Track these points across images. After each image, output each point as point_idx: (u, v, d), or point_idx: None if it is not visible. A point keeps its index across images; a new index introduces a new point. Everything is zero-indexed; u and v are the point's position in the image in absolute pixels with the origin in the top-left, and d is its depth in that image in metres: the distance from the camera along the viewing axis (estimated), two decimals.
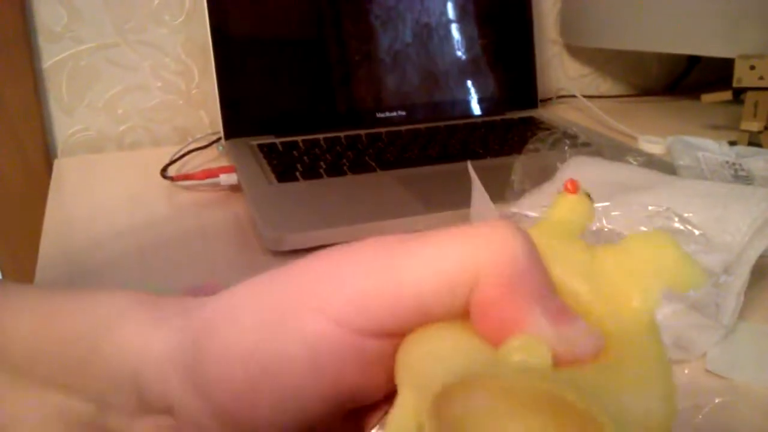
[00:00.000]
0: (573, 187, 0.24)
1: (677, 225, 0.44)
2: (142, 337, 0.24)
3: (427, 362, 0.20)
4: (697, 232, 0.44)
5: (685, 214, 0.44)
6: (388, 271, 0.21)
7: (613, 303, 0.21)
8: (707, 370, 0.42)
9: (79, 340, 0.24)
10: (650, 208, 0.44)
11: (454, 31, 0.93)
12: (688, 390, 0.40)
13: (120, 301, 0.25)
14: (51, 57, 0.84)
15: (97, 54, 0.86)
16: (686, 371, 0.42)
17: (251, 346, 0.22)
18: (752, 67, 0.82)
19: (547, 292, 0.20)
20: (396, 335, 0.21)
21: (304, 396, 0.22)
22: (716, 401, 0.37)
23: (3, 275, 0.86)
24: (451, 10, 0.92)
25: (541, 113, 0.95)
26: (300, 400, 0.22)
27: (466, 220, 0.55)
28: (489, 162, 0.76)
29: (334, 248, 0.23)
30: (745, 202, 0.46)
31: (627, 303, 0.21)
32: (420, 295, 0.20)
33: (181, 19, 0.87)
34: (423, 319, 0.21)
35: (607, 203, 0.46)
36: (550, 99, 1.08)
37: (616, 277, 0.21)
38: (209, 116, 0.92)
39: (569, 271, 0.21)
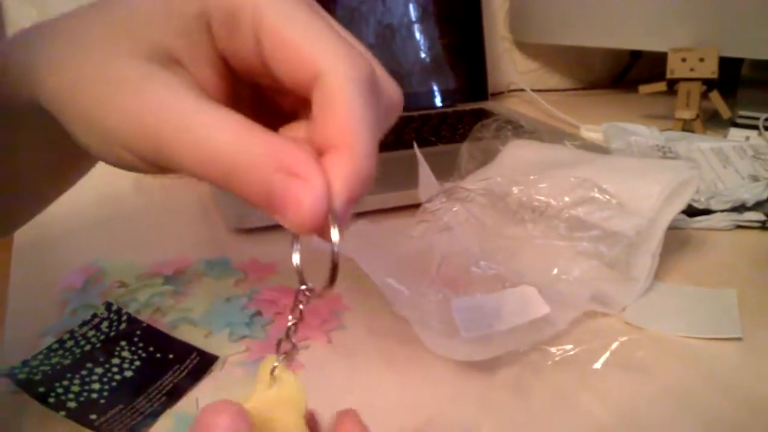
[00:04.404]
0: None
1: (596, 194, 0.49)
2: None
3: None
4: (613, 201, 0.49)
5: (603, 185, 0.50)
6: None
7: None
8: (625, 322, 0.47)
9: None
10: (572, 179, 0.50)
11: (411, 29, 0.98)
12: (602, 333, 0.45)
13: None
14: None
15: None
16: (605, 320, 0.47)
17: None
18: (683, 60, 0.89)
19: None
20: None
21: None
22: (622, 339, 0.43)
23: None
24: (407, 11, 0.97)
25: (492, 105, 1.00)
26: None
27: (414, 198, 0.60)
28: (440, 148, 0.81)
29: None
30: (657, 173, 0.51)
31: None
32: None
33: None
34: None
35: (535, 176, 0.51)
36: (502, 92, 1.14)
37: None
38: None
39: None
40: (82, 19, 0.28)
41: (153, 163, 0.26)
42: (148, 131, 0.25)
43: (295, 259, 0.27)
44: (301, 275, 0.27)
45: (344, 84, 0.25)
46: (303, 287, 0.27)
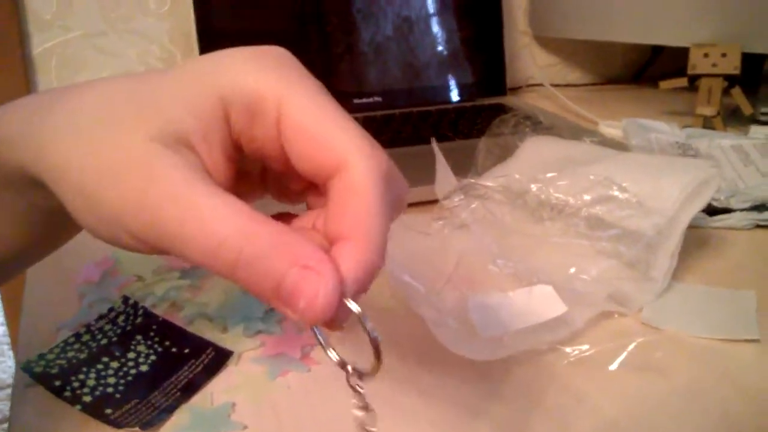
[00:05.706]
0: None
1: (615, 193, 0.49)
2: None
3: None
4: (633, 199, 0.49)
5: (623, 183, 0.49)
6: None
7: None
8: (642, 323, 0.47)
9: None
10: (591, 177, 0.49)
11: (429, 23, 0.97)
12: (618, 334, 0.45)
13: None
14: (40, 44, 0.88)
15: (85, 42, 0.90)
16: (622, 320, 0.47)
17: None
18: (705, 55, 0.87)
19: None
20: None
21: None
22: (639, 340, 0.42)
23: None
24: (426, 4, 0.96)
25: (510, 100, 1.00)
26: None
27: (431, 194, 0.60)
28: (457, 143, 0.80)
29: None
30: (678, 172, 0.51)
31: None
32: None
33: (166, 8, 0.91)
34: None
35: (554, 174, 0.51)
36: (520, 87, 1.13)
37: None
38: None
39: None
40: (89, 91, 0.27)
41: (153, 248, 0.25)
42: (150, 215, 0.24)
43: (333, 355, 0.27)
44: (345, 368, 0.27)
45: (365, 180, 0.25)
46: (351, 373, 0.27)
